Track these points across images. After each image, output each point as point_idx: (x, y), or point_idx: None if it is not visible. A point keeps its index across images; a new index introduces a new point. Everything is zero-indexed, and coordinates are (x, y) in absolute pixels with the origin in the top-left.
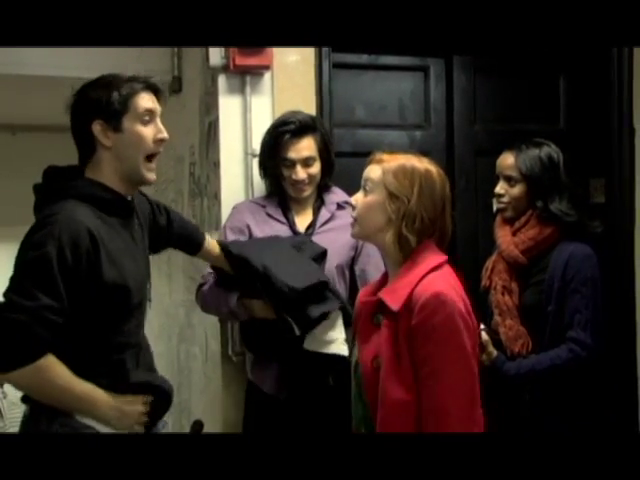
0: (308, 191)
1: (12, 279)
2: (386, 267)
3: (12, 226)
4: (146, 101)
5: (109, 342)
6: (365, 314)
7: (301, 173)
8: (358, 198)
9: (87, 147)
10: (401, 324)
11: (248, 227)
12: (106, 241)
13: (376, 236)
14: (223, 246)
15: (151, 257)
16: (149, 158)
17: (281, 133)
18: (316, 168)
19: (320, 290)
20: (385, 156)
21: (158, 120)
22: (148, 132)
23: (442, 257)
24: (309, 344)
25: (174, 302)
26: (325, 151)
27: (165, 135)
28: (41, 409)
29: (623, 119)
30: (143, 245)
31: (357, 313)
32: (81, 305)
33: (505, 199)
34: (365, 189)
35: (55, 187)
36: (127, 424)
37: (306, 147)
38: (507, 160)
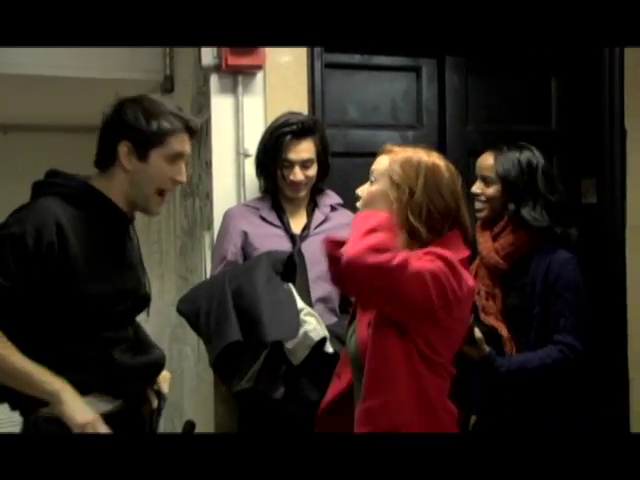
0: (304, 192)
1: None
2: None
3: None
4: (181, 143)
5: (88, 337)
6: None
7: (299, 175)
8: (363, 189)
9: (106, 159)
10: None
11: (245, 234)
12: (82, 240)
13: None
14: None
15: (143, 257)
16: (161, 193)
17: (283, 134)
18: (313, 170)
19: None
20: (395, 148)
21: (183, 163)
22: (170, 171)
23: (463, 253)
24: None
25: (166, 302)
26: (323, 154)
27: (184, 179)
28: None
29: (615, 120)
30: (135, 258)
31: None
32: (51, 298)
33: (482, 198)
34: (371, 180)
35: (44, 183)
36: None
37: (306, 149)
38: (486, 160)
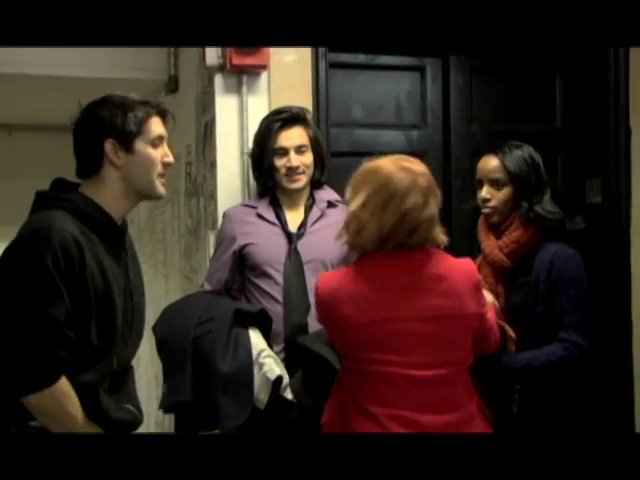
0: (302, 181)
1: (10, 294)
2: None
3: (8, 226)
4: (158, 126)
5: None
6: None
7: (295, 160)
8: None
9: (93, 164)
10: None
11: (235, 238)
12: (87, 256)
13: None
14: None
15: (147, 257)
16: (160, 176)
17: (272, 122)
18: (309, 158)
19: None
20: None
21: (165, 144)
22: (157, 155)
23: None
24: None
25: (170, 302)
26: (316, 144)
27: (172, 159)
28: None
29: (619, 119)
30: (127, 275)
31: None
32: (76, 316)
33: (491, 203)
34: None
35: (50, 196)
36: None
37: (298, 135)
38: (491, 163)
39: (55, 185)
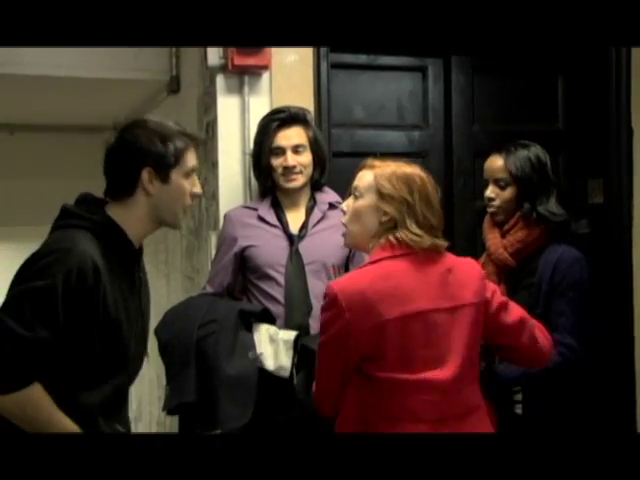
0: (299, 181)
1: (11, 301)
2: None
3: (10, 226)
4: (193, 158)
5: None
6: None
7: (291, 159)
8: (349, 204)
9: (125, 189)
10: None
11: (236, 240)
12: (105, 280)
13: (367, 242)
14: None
15: (149, 257)
16: (186, 206)
17: (270, 121)
18: (307, 158)
19: None
20: (376, 162)
21: (195, 175)
22: (188, 186)
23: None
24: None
25: (172, 302)
26: (316, 145)
27: (200, 190)
28: None
29: (621, 119)
30: (140, 299)
31: None
32: (76, 338)
33: (496, 203)
34: (355, 195)
35: (76, 215)
36: None
37: (296, 135)
38: (496, 163)
39: (82, 201)
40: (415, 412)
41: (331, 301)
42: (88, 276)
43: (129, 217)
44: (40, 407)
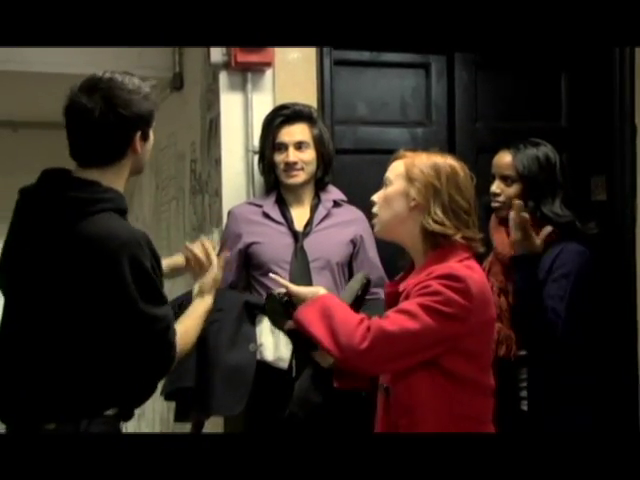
0: (300, 177)
1: (134, 291)
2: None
3: None
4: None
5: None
6: (389, 304)
7: (292, 155)
8: (379, 195)
9: (117, 153)
10: None
11: (240, 237)
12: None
13: (398, 229)
14: None
15: None
16: None
17: (274, 117)
18: (309, 155)
19: None
20: (408, 153)
21: None
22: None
23: (468, 253)
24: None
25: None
26: (320, 143)
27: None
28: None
29: (625, 117)
30: None
31: (385, 303)
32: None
33: (501, 198)
34: (385, 184)
35: (92, 199)
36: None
37: (299, 132)
38: (504, 159)
39: (49, 178)
40: (489, 415)
41: (462, 286)
42: (156, 252)
43: (118, 180)
44: (184, 338)
